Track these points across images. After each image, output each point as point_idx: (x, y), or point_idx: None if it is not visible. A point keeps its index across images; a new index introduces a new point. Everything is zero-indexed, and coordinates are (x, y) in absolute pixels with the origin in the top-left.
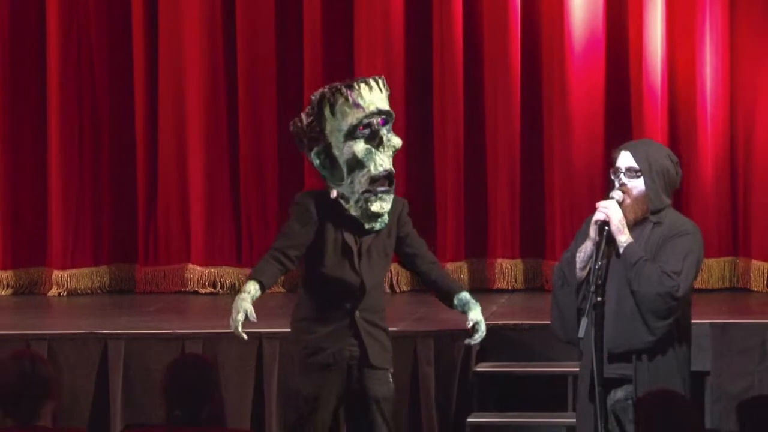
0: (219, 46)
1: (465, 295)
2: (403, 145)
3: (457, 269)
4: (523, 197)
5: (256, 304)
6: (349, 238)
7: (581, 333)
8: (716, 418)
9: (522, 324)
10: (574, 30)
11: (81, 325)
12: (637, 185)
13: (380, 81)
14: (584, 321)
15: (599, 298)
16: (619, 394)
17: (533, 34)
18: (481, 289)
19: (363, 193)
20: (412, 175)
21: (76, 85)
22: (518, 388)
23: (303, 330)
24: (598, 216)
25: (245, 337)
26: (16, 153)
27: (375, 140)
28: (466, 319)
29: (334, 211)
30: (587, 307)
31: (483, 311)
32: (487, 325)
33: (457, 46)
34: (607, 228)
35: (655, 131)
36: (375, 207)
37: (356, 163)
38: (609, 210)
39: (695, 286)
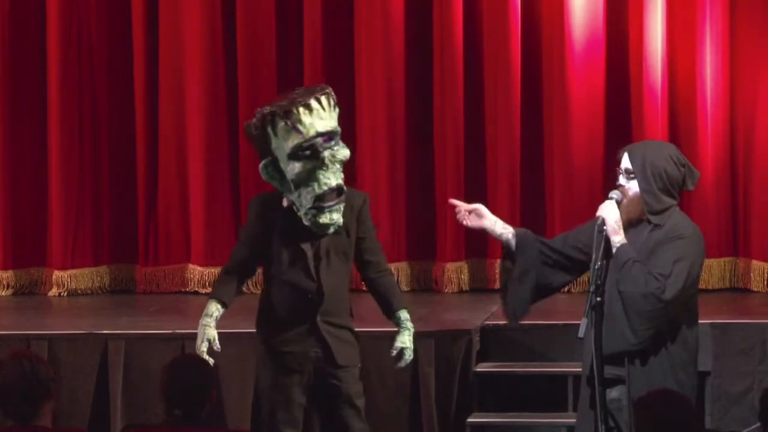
0: (219, 46)
1: (402, 314)
2: (403, 144)
3: (458, 269)
4: (523, 197)
5: (257, 304)
6: (304, 243)
7: (581, 333)
8: (716, 418)
9: (522, 324)
10: (575, 30)
11: (81, 326)
12: (632, 186)
13: (323, 98)
14: (584, 321)
15: (598, 299)
16: (613, 393)
17: (533, 35)
18: (482, 289)
19: (310, 209)
20: (412, 175)
21: (77, 85)
22: (518, 388)
23: (267, 333)
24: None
25: (212, 361)
26: (17, 153)
27: (318, 159)
28: (393, 344)
29: (287, 215)
30: (587, 307)
31: (483, 311)
32: (487, 325)
33: (457, 47)
34: (604, 228)
35: (655, 131)
36: (324, 219)
37: (301, 182)
38: (606, 210)
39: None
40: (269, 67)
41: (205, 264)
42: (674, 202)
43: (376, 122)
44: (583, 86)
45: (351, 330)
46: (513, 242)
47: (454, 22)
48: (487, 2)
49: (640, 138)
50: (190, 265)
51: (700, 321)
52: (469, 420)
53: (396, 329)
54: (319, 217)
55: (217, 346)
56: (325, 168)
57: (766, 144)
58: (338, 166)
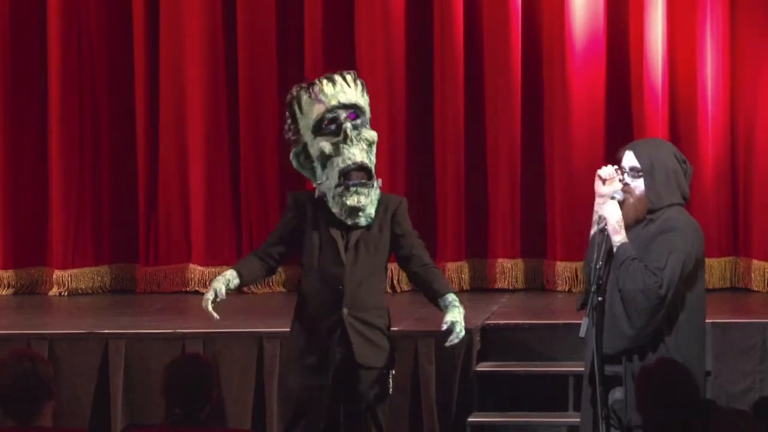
0: (220, 46)
1: (450, 296)
2: (404, 144)
3: (458, 269)
4: (524, 197)
5: (257, 304)
6: (335, 233)
7: (582, 333)
8: None
9: (523, 324)
10: (575, 29)
11: (82, 325)
12: (639, 185)
13: (348, 76)
14: (585, 321)
15: (600, 298)
16: (617, 394)
17: (534, 34)
18: (482, 289)
19: (336, 187)
20: (413, 175)
21: (77, 85)
22: (519, 387)
23: (297, 331)
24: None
25: (216, 316)
26: (17, 153)
27: (341, 134)
28: (443, 320)
29: (320, 209)
30: (588, 307)
31: (484, 311)
32: (488, 324)
33: (457, 46)
34: (606, 228)
35: (655, 131)
36: (351, 201)
37: (325, 159)
38: (608, 210)
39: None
40: (270, 66)
41: (205, 264)
42: (679, 201)
43: (377, 122)
44: (584, 85)
45: (383, 331)
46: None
47: (454, 21)
48: (487, 1)
49: (641, 137)
50: (191, 265)
51: None
52: (469, 419)
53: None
54: (346, 197)
55: (222, 295)
56: (349, 143)
57: (766, 143)
58: (365, 145)
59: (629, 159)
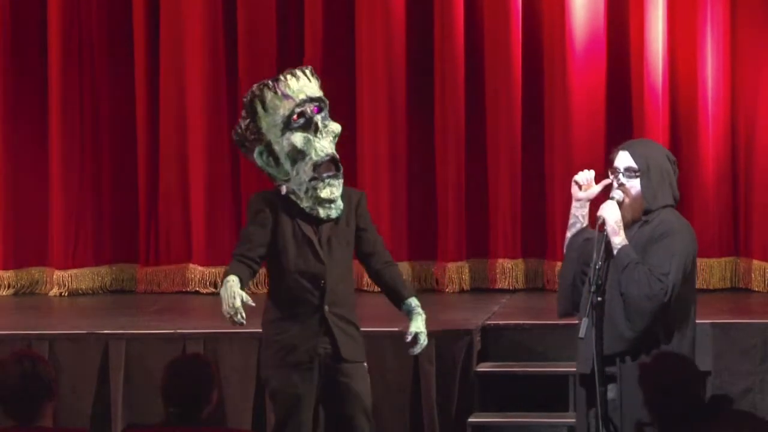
0: (220, 46)
1: (412, 301)
2: (404, 144)
3: (459, 269)
4: (525, 197)
5: (257, 304)
6: (307, 229)
7: (582, 333)
8: None
9: (523, 324)
10: (576, 29)
11: (82, 325)
12: (635, 185)
13: (307, 71)
14: (585, 321)
15: (599, 298)
16: (610, 394)
17: (534, 34)
18: (483, 289)
19: (310, 181)
20: (414, 175)
21: (77, 85)
22: (519, 388)
23: (275, 330)
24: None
25: (244, 321)
26: (18, 153)
27: (311, 127)
28: (407, 330)
29: (288, 207)
30: (588, 307)
31: (484, 311)
32: (488, 324)
33: (458, 46)
34: (604, 228)
35: (656, 131)
36: (324, 193)
37: (297, 153)
38: (607, 210)
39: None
40: (270, 66)
41: (205, 264)
42: (671, 203)
43: (377, 122)
44: (584, 86)
45: (357, 326)
46: (567, 240)
47: (455, 20)
48: (488, 1)
49: (640, 137)
50: (191, 265)
51: (701, 321)
52: (470, 420)
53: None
54: (320, 190)
55: (250, 301)
56: (320, 136)
57: (766, 143)
58: (332, 138)
59: (625, 159)
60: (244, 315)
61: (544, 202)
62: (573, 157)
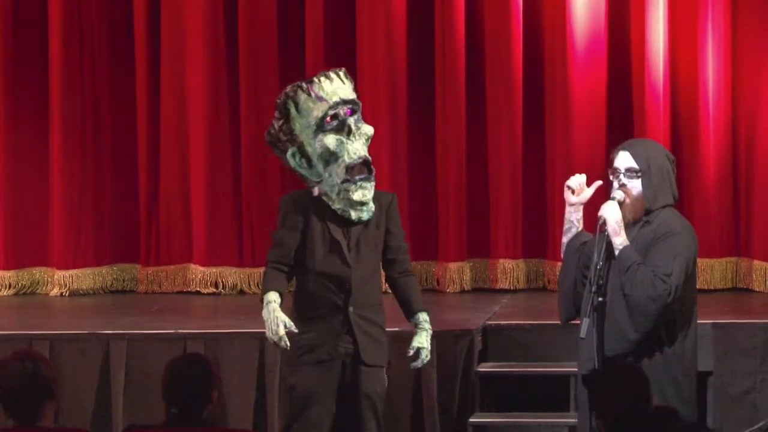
0: (221, 47)
1: (421, 316)
2: (405, 144)
3: (459, 269)
4: (525, 197)
5: (258, 304)
6: (337, 232)
7: (583, 333)
8: (717, 418)
9: (524, 324)
10: (577, 29)
11: (83, 326)
12: (636, 185)
13: (341, 72)
14: (586, 321)
15: (600, 299)
16: None
17: (535, 33)
18: (483, 290)
19: (342, 183)
20: (414, 175)
21: (78, 85)
22: (520, 388)
23: (299, 330)
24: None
25: (288, 347)
26: (19, 153)
27: (344, 130)
28: (411, 344)
29: (319, 209)
30: (589, 307)
31: (485, 311)
32: (489, 325)
33: (459, 45)
34: (605, 229)
35: (657, 131)
36: (357, 195)
37: (330, 155)
38: (607, 211)
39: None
40: (271, 66)
41: (206, 264)
42: (671, 202)
43: (378, 122)
44: (585, 86)
45: (381, 327)
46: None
47: (455, 21)
48: (489, 1)
49: (641, 137)
50: (192, 265)
51: (702, 321)
52: (470, 420)
53: (414, 330)
54: (352, 192)
55: (293, 327)
56: (353, 138)
57: (767, 144)
58: (365, 140)
59: (625, 160)
60: (288, 342)
61: (545, 202)
62: (574, 157)
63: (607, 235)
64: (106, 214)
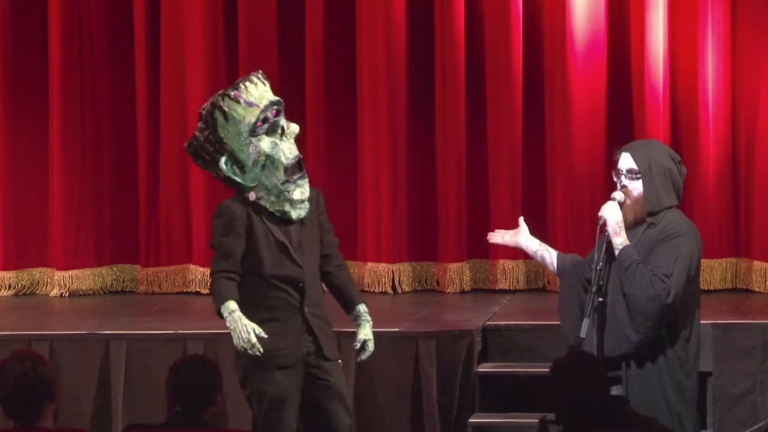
0: (221, 46)
1: (360, 308)
2: (405, 145)
3: (459, 270)
4: (525, 197)
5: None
6: (279, 234)
7: (583, 333)
8: (717, 418)
9: (524, 325)
10: (576, 29)
11: (83, 326)
12: (637, 187)
13: (260, 75)
14: (586, 321)
15: (600, 299)
16: None
17: (535, 34)
18: (483, 290)
19: (283, 184)
20: (414, 176)
21: (78, 85)
22: (520, 388)
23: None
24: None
25: (261, 349)
26: (18, 154)
27: (276, 131)
28: (356, 338)
29: (257, 213)
30: (589, 308)
31: (485, 312)
32: (489, 325)
33: (458, 46)
34: (606, 229)
35: (656, 131)
36: (296, 194)
37: (266, 159)
38: (608, 211)
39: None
40: (271, 66)
41: (206, 264)
42: (675, 202)
43: (378, 122)
44: (585, 86)
45: (330, 323)
46: (554, 264)
47: (455, 21)
48: (489, 1)
49: (642, 138)
50: (192, 266)
51: (702, 321)
52: (470, 420)
53: (356, 323)
54: (292, 192)
55: (262, 333)
56: (285, 138)
57: (767, 144)
58: (293, 139)
59: (626, 161)
60: (261, 349)
61: (545, 203)
62: (573, 157)
63: (608, 236)
64: (106, 215)
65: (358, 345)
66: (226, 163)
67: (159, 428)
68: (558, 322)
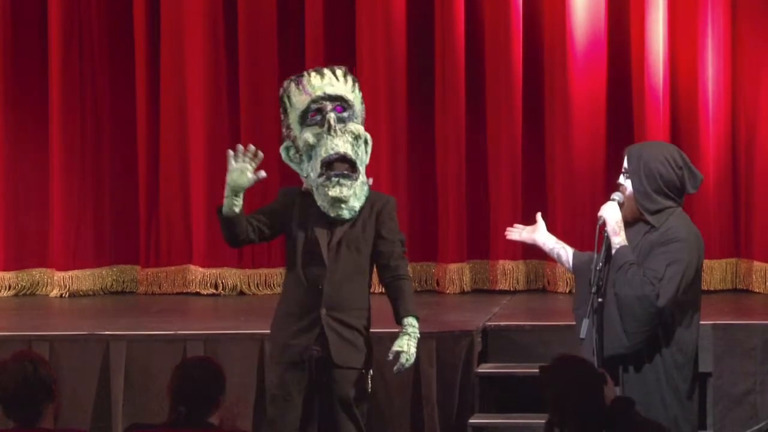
0: (221, 46)
1: (406, 320)
2: (405, 145)
3: (459, 270)
4: (525, 198)
5: (258, 305)
6: (320, 231)
7: (582, 334)
8: (718, 419)
9: (524, 325)
10: (576, 30)
11: (83, 327)
12: (629, 185)
13: (339, 70)
14: (586, 322)
15: (600, 300)
16: None
17: (535, 34)
18: (483, 291)
19: (319, 177)
20: (414, 176)
21: (78, 86)
22: (520, 389)
23: (276, 327)
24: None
25: (263, 174)
26: (18, 155)
27: (324, 125)
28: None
29: (305, 205)
30: (589, 308)
31: (485, 312)
32: (489, 326)
33: (459, 47)
34: (605, 229)
35: (656, 132)
36: (333, 192)
37: (309, 149)
38: (607, 211)
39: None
40: (271, 66)
41: (206, 265)
42: (671, 204)
43: (378, 123)
44: (585, 87)
45: (361, 332)
46: (570, 262)
47: (455, 22)
48: (489, 2)
49: (642, 139)
50: (192, 266)
51: (702, 322)
52: (470, 421)
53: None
54: (329, 189)
55: (261, 174)
56: (333, 133)
57: (767, 145)
58: (350, 138)
59: (625, 160)
60: (262, 174)
61: (545, 203)
62: (574, 157)
63: (608, 236)
64: (106, 215)
65: (391, 356)
66: (287, 149)
67: (162, 428)
68: (557, 323)
